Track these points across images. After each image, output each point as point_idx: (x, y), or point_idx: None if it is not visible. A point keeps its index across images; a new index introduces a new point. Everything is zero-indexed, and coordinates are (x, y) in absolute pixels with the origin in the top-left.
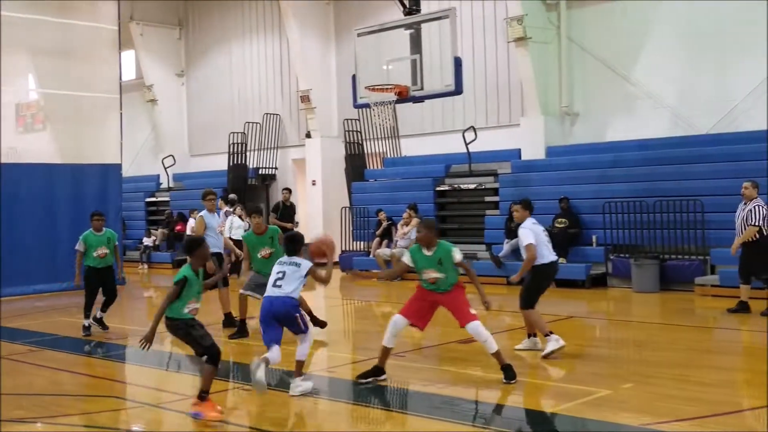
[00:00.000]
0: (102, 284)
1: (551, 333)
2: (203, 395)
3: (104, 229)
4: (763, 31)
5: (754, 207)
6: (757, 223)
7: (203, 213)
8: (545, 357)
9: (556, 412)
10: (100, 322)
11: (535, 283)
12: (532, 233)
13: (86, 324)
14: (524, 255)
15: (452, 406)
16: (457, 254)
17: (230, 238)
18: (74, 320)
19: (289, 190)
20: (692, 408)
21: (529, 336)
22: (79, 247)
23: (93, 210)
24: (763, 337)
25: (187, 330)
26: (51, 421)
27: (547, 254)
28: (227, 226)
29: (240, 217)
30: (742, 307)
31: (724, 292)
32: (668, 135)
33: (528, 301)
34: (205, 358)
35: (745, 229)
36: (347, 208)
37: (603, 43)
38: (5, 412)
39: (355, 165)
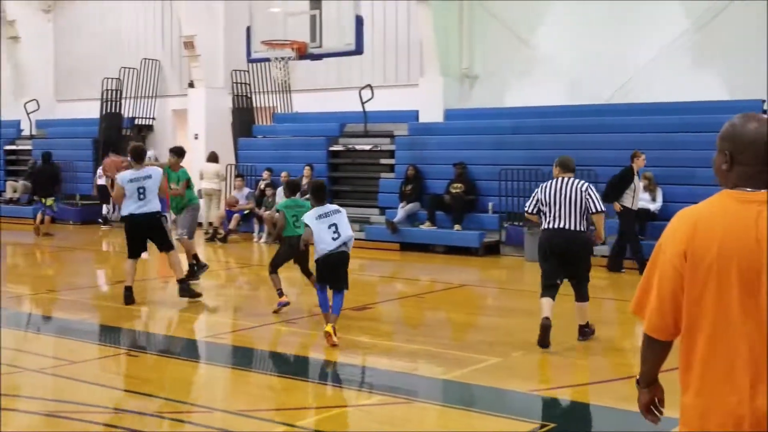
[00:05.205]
0: None
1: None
2: None
3: None
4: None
5: None
6: None
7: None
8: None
9: (447, 379)
10: None
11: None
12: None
13: None
14: None
15: (341, 373)
16: None
17: None
18: None
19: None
20: (577, 375)
21: None
22: None
23: None
24: None
25: None
26: None
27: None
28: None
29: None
30: None
31: None
32: (567, 103)
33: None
34: None
35: None
36: (233, 166)
37: (507, 4)
38: None
39: (243, 119)
